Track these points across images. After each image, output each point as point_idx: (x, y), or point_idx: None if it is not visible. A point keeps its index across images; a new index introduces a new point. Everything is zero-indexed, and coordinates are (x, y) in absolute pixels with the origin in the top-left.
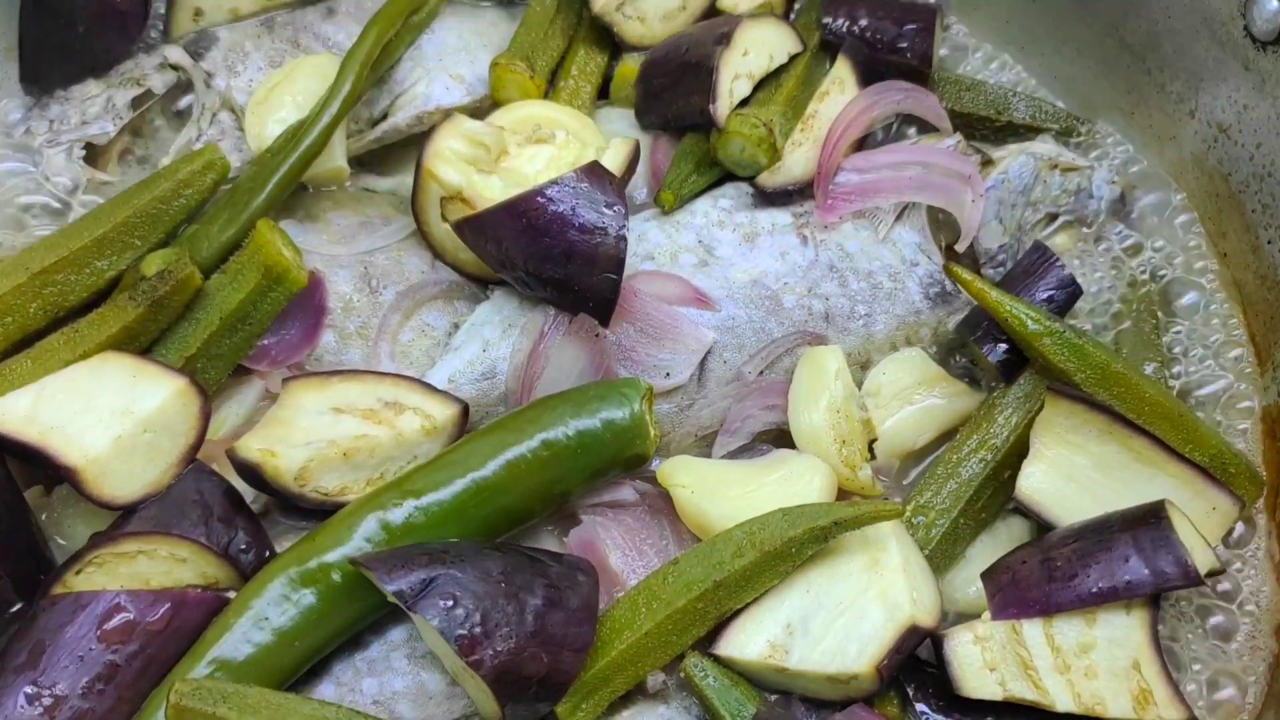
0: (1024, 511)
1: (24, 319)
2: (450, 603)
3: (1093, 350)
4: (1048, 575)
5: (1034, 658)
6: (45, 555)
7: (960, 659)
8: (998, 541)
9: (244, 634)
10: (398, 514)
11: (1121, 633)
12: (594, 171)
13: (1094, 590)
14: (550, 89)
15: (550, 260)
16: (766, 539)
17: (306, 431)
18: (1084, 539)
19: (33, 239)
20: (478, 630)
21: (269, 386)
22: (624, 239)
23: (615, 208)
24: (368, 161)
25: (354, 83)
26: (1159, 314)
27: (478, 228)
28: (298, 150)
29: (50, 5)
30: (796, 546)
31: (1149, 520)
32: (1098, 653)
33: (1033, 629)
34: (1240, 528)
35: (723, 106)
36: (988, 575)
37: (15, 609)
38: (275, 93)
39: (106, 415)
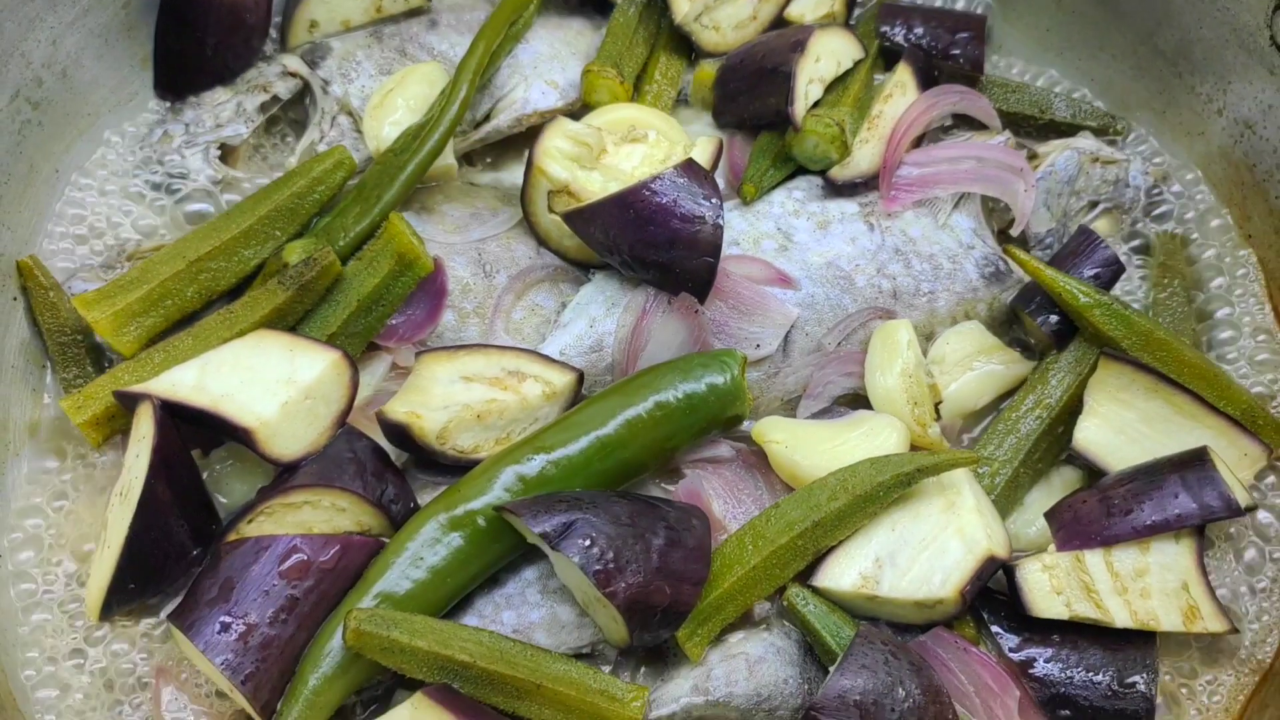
0: (1077, 461)
1: (182, 301)
2: (588, 542)
3: (1137, 319)
4: (1106, 511)
5: (1095, 582)
6: (213, 509)
7: (1030, 584)
8: (1052, 489)
9: (403, 572)
10: (532, 467)
11: (1172, 558)
12: (691, 167)
13: (1148, 523)
14: (636, 93)
15: (654, 246)
16: (857, 484)
17: (442, 397)
18: (1137, 480)
19: (164, 237)
20: (612, 566)
21: (396, 361)
22: (721, 227)
23: (713, 199)
24: (469, 158)
25: (468, 89)
26: (1189, 287)
27: (588, 217)
28: (423, 150)
29: (187, 20)
30: (884, 490)
31: (1194, 463)
32: (1151, 576)
33: (1094, 557)
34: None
35: (800, 108)
36: (1051, 514)
37: (192, 554)
38: (389, 98)
39: (272, 384)
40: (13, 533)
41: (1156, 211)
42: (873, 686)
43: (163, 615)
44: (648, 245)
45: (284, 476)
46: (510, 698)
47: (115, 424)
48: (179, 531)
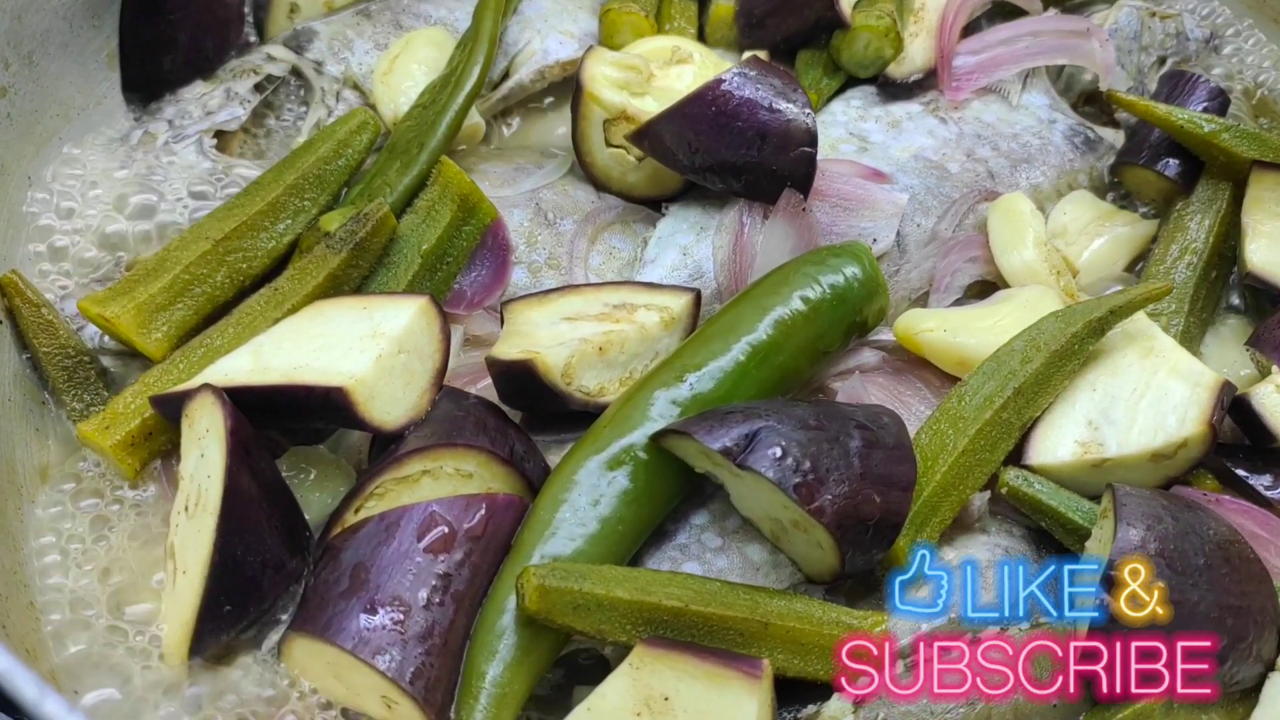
0: (1255, 288)
1: (212, 289)
2: (779, 452)
3: (1269, 137)
4: None
5: None
6: (300, 510)
7: (1271, 408)
8: (1223, 339)
9: (566, 529)
10: (684, 388)
11: None
12: (759, 61)
13: None
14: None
15: (744, 144)
16: (1049, 340)
17: (550, 337)
18: None
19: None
20: (811, 477)
21: (469, 330)
22: (811, 113)
23: (796, 89)
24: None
25: (492, 24)
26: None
27: (663, 129)
28: (464, 88)
29: (156, 6)
30: (1079, 341)
31: None
32: None
33: None
34: None
35: (846, 4)
36: (1257, 339)
37: (289, 566)
38: (399, 63)
39: (356, 341)
40: (43, 591)
41: (1224, 62)
42: (1165, 533)
43: (264, 648)
44: (737, 145)
45: (388, 450)
46: (733, 645)
47: (154, 444)
48: (272, 532)
